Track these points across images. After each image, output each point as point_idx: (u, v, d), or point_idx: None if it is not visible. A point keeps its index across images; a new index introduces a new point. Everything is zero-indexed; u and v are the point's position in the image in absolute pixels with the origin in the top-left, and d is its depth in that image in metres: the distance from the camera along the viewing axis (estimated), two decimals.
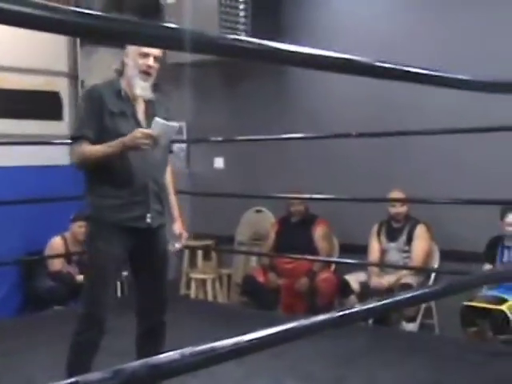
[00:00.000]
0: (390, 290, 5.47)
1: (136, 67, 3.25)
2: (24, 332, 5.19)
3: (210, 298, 6.87)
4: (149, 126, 3.26)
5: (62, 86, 7.07)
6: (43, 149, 6.59)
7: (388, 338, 4.95)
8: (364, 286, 5.70)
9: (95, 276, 3.28)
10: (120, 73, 3.34)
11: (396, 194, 5.68)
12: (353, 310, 1.58)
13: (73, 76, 7.14)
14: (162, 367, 1.08)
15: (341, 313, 1.48)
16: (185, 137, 7.55)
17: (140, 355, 3.40)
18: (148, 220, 3.28)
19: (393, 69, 1.56)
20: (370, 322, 5.49)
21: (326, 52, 1.45)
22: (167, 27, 1.17)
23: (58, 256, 6.22)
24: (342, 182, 6.21)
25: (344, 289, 5.78)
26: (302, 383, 3.98)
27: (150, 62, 3.24)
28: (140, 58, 3.24)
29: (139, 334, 3.45)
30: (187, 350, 1.12)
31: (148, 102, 3.35)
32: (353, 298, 5.73)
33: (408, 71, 1.61)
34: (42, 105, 6.90)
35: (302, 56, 1.40)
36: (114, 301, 3.37)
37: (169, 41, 1.20)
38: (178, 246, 3.62)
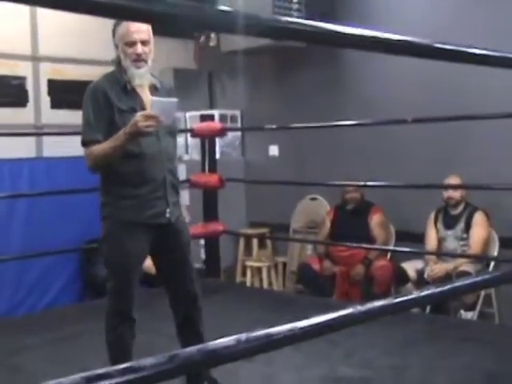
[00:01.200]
0: (447, 278, 5.38)
1: (127, 58, 3.16)
2: (82, 319, 5.27)
3: (265, 285, 6.88)
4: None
5: None
6: None
7: (446, 327, 4.87)
8: (421, 273, 5.63)
9: (118, 275, 3.23)
10: (118, 63, 3.24)
11: (453, 180, 5.58)
12: (411, 297, 1.55)
13: None
14: (217, 352, 1.08)
15: (399, 299, 1.46)
16: (239, 125, 7.56)
17: (183, 343, 3.42)
18: (167, 215, 3.24)
19: (455, 50, 1.52)
20: (428, 310, 5.42)
21: (386, 34, 1.42)
22: (222, 11, 1.15)
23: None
24: (397, 169, 6.14)
25: (400, 277, 5.72)
26: (359, 371, 3.95)
27: (138, 49, 3.13)
28: (128, 48, 3.15)
29: (178, 323, 3.44)
30: (243, 336, 1.11)
31: (153, 91, 3.26)
32: (409, 286, 5.67)
33: (472, 53, 1.55)
34: None
35: (361, 38, 1.37)
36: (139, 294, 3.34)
37: (224, 24, 1.18)
38: None
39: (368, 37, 1.38)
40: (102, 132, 3.12)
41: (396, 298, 1.50)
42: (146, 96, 3.23)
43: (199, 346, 1.07)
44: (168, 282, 3.41)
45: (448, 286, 1.68)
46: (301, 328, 1.18)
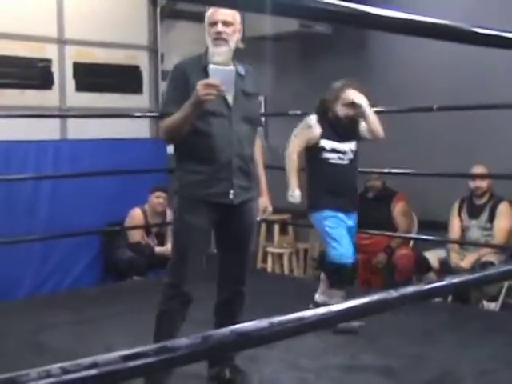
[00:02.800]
0: (470, 269, 5.35)
1: (209, 37, 3.29)
2: (104, 301, 5.32)
3: (286, 272, 6.88)
4: (236, 100, 3.28)
5: (142, 60, 7.14)
6: (124, 122, 6.70)
7: (468, 317, 4.85)
8: (443, 263, 5.60)
9: (182, 248, 3.31)
10: (206, 49, 3.35)
11: (479, 170, 5.53)
12: (435, 285, 1.53)
13: (153, 50, 7.20)
14: (250, 335, 1.07)
15: (430, 285, 1.44)
16: (263, 110, 7.54)
17: (217, 323, 3.48)
18: (231, 196, 3.29)
19: (493, 35, 1.49)
20: (449, 299, 5.39)
21: (423, 18, 1.39)
22: None
23: (137, 227, 6.33)
24: (422, 157, 6.09)
25: (422, 265, 5.69)
26: (380, 359, 3.94)
27: (219, 28, 3.24)
28: (210, 28, 3.28)
29: (218, 302, 3.52)
30: (276, 319, 1.10)
31: (237, 78, 3.27)
32: (431, 275, 5.64)
33: (506, 37, 1.52)
34: (122, 78, 6.99)
35: (396, 21, 1.35)
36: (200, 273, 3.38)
37: (250, 2, 1.15)
38: (257, 218, 3.66)
39: (405, 20, 1.36)
40: (176, 106, 3.20)
41: (427, 283, 1.48)
42: None
43: (232, 328, 1.06)
44: (222, 261, 3.49)
45: (472, 276, 1.66)
46: (334, 311, 1.17)
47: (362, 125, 4.62)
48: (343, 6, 1.25)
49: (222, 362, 3.48)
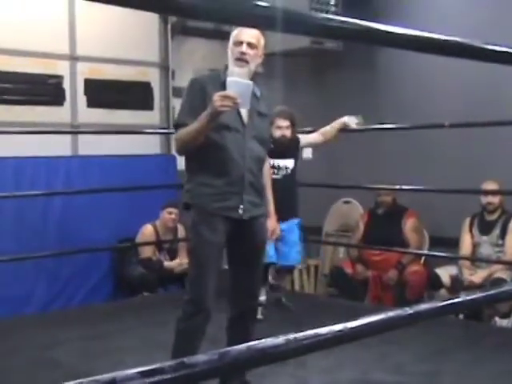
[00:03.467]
0: (482, 285, 5.33)
1: (232, 56, 3.31)
2: (114, 317, 5.32)
3: (296, 288, 6.86)
4: (250, 119, 3.31)
5: (153, 76, 7.19)
6: (134, 138, 6.73)
7: (480, 334, 4.82)
8: (455, 279, 5.58)
9: (201, 264, 3.31)
10: (226, 67, 3.38)
11: (490, 185, 5.52)
12: (449, 302, 1.53)
13: (164, 67, 7.25)
14: (266, 351, 1.07)
15: (445, 302, 1.44)
16: None
17: (230, 340, 3.46)
18: (240, 211, 3.30)
19: (503, 52, 1.49)
20: (461, 316, 5.36)
21: (433, 34, 1.40)
22: (259, 5, 1.12)
23: (149, 243, 6.33)
24: (433, 173, 6.08)
25: (434, 282, 5.68)
26: (392, 375, 3.91)
27: (243, 48, 3.26)
28: (235, 47, 3.30)
29: (231, 318, 3.50)
30: (292, 336, 1.10)
31: (253, 99, 3.28)
32: (443, 291, 5.62)
33: None
34: (133, 95, 7.04)
35: (406, 37, 1.35)
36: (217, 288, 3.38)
37: (261, 19, 1.15)
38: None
39: (415, 36, 1.36)
40: (191, 118, 3.22)
41: (441, 301, 1.48)
42: None
43: (249, 344, 1.06)
44: (233, 277, 3.47)
45: (483, 294, 1.66)
46: (350, 328, 1.17)
47: (302, 140, 5.25)
48: (354, 23, 1.26)
49: (232, 377, 3.46)
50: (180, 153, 3.42)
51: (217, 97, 3.04)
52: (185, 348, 3.27)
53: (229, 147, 3.26)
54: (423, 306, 1.37)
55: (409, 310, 1.34)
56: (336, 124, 5.20)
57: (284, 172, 5.11)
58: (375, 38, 1.37)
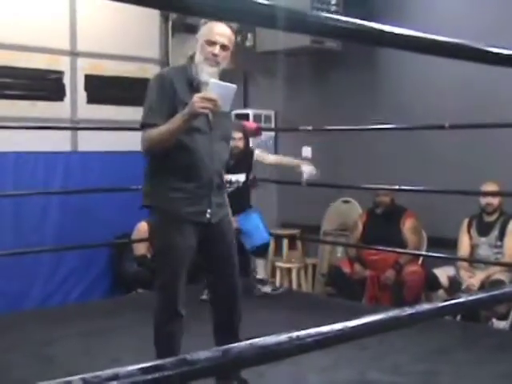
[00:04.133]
0: (481, 287, 5.34)
1: (202, 54, 3.22)
2: (111, 313, 5.34)
3: (294, 287, 6.86)
4: (215, 119, 3.23)
5: (153, 73, 7.11)
6: (134, 135, 6.70)
7: (478, 335, 4.83)
8: (453, 280, 5.58)
9: (171, 269, 3.24)
10: (192, 59, 3.30)
11: (489, 186, 5.51)
12: (449, 303, 1.53)
13: (164, 63, 7.23)
14: (269, 348, 1.07)
15: (445, 303, 1.44)
16: (273, 125, 7.56)
17: (218, 343, 3.42)
18: (207, 215, 3.26)
19: (506, 54, 1.49)
20: (458, 317, 5.37)
21: (434, 36, 1.39)
22: (260, 3, 1.11)
23: (142, 240, 6.32)
24: (432, 174, 6.08)
25: (432, 283, 5.67)
26: (389, 375, 3.92)
27: (216, 50, 3.19)
28: (207, 46, 3.21)
29: (215, 323, 3.47)
30: (294, 334, 1.10)
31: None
32: (441, 292, 5.62)
33: None
34: (133, 91, 7.01)
35: (406, 38, 1.34)
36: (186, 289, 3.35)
37: (261, 17, 1.14)
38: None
39: (415, 37, 1.36)
40: (162, 117, 3.15)
41: (441, 301, 1.48)
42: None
43: (251, 341, 1.06)
44: (211, 280, 3.46)
45: (481, 295, 1.66)
46: (351, 327, 1.17)
47: (258, 155, 5.62)
48: (355, 23, 1.25)
49: (228, 375, 3.45)
50: (147, 154, 3.26)
51: (197, 98, 2.99)
52: (170, 353, 3.19)
53: (199, 150, 3.20)
54: (424, 307, 1.37)
55: (409, 310, 1.34)
56: (295, 162, 5.57)
57: (236, 185, 5.49)
58: (376, 39, 1.36)
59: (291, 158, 5.50)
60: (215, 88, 3.05)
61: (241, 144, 5.40)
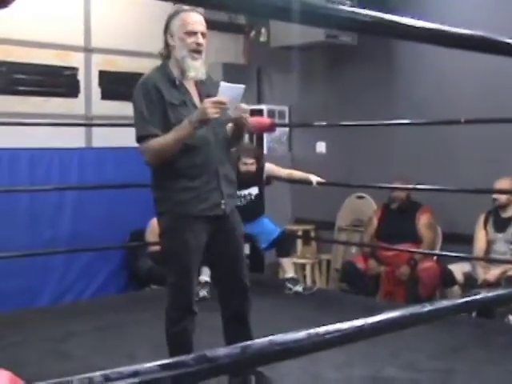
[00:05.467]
0: (496, 283, 5.31)
1: (184, 47, 3.15)
2: (126, 309, 5.35)
3: (308, 282, 6.86)
4: None
5: None
6: None
7: (494, 332, 4.79)
8: (468, 276, 5.55)
9: (184, 268, 3.21)
10: (166, 56, 3.24)
11: (503, 183, 5.48)
12: (468, 299, 1.51)
13: None
14: (288, 345, 1.06)
15: (464, 299, 1.43)
16: (287, 121, 7.54)
17: (228, 339, 3.42)
18: (222, 206, 3.23)
19: None
20: (474, 314, 5.34)
21: (451, 28, 1.38)
22: None
23: (158, 243, 6.30)
24: (448, 170, 6.06)
25: (447, 279, 5.65)
26: (405, 372, 3.90)
27: (200, 39, 3.15)
28: (188, 37, 3.14)
29: (226, 318, 3.43)
30: (313, 330, 1.09)
31: (199, 84, 3.23)
32: (456, 288, 5.59)
33: None
34: None
35: (422, 30, 1.32)
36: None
37: (276, 10, 1.13)
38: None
39: (429, 29, 1.34)
40: (157, 126, 3.10)
41: (460, 298, 1.47)
42: (192, 89, 3.23)
43: (270, 338, 1.06)
44: (220, 276, 3.42)
45: (500, 292, 1.64)
46: (371, 324, 1.16)
47: (268, 169, 5.75)
48: (371, 16, 1.24)
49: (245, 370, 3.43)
50: (154, 165, 3.19)
51: (209, 103, 2.95)
52: (182, 350, 3.18)
53: (199, 146, 3.16)
54: (443, 303, 1.36)
55: (428, 307, 1.33)
56: (304, 175, 5.65)
57: (248, 198, 5.70)
58: (392, 31, 1.35)
59: (300, 172, 5.57)
60: (225, 90, 3.04)
61: (253, 168, 5.59)
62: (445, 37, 1.39)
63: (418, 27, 1.31)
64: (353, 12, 1.22)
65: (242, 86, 3.08)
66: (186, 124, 3.03)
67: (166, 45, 3.24)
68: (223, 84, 3.06)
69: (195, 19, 3.17)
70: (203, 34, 3.17)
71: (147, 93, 3.12)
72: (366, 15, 1.23)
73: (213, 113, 2.95)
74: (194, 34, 3.14)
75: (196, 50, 3.15)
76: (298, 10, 1.12)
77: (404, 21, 1.29)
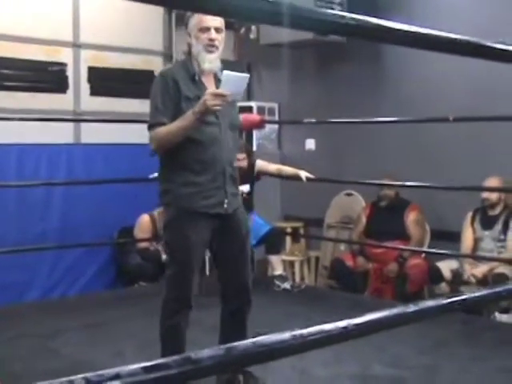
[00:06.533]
0: (483, 280, 5.33)
1: (199, 43, 3.24)
2: (114, 305, 5.35)
3: (297, 279, 6.86)
4: (223, 109, 3.17)
5: (156, 65, 7.17)
6: (137, 127, 6.70)
7: (481, 328, 4.81)
8: (456, 273, 5.57)
9: (183, 262, 3.25)
10: (188, 54, 3.33)
11: (492, 181, 5.50)
12: (454, 299, 1.52)
13: (167, 55, 7.23)
14: (273, 346, 1.07)
15: (449, 299, 1.44)
16: (277, 118, 7.54)
17: (224, 335, 3.47)
18: (225, 205, 3.27)
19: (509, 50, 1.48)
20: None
21: (439, 32, 1.38)
22: (265, 1, 1.11)
23: (146, 240, 6.31)
24: (436, 167, 6.07)
25: (435, 276, 5.67)
26: (391, 369, 3.92)
27: (212, 35, 3.21)
28: (201, 33, 3.22)
29: (225, 314, 3.47)
30: (298, 332, 1.10)
31: (217, 82, 3.27)
32: (443, 285, 5.61)
33: None
34: (137, 83, 7.01)
35: (410, 35, 1.33)
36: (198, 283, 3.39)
37: (265, 14, 1.13)
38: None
39: (415, 33, 1.34)
40: (168, 116, 3.19)
41: (447, 298, 1.48)
42: (211, 86, 3.27)
43: (254, 340, 1.06)
44: (223, 273, 3.45)
45: (486, 292, 1.65)
46: (355, 325, 1.17)
47: (259, 165, 5.66)
48: (360, 20, 1.24)
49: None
50: (157, 152, 3.28)
51: (209, 95, 3.02)
52: (176, 344, 3.26)
53: (208, 143, 3.21)
54: (428, 303, 1.37)
55: (413, 307, 1.34)
56: (293, 171, 5.46)
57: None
58: (379, 35, 1.35)
59: (290, 168, 5.56)
60: (228, 79, 3.06)
61: (244, 163, 5.51)
62: (431, 41, 1.39)
63: (404, 31, 1.32)
64: (340, 16, 1.23)
65: (247, 75, 3.14)
66: (189, 114, 3.10)
67: (188, 44, 3.34)
68: (226, 73, 3.09)
69: (209, 16, 3.21)
70: (217, 29, 3.23)
71: (165, 84, 3.23)
72: (354, 19, 1.23)
73: (212, 104, 3.00)
74: (208, 29, 3.22)
75: (209, 45, 3.23)
76: (287, 14, 1.12)
77: (390, 25, 1.29)
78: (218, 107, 3.04)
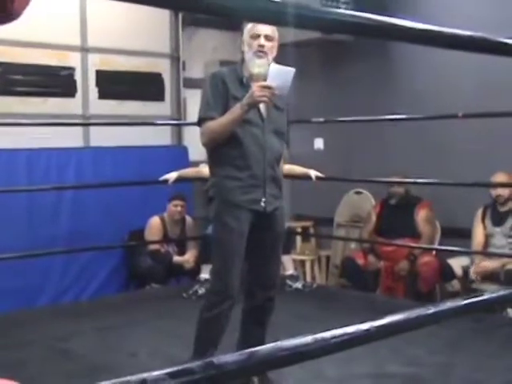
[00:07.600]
0: (494, 275, 5.32)
1: (250, 49, 3.38)
2: (126, 308, 5.36)
3: (308, 279, 6.86)
4: (268, 113, 3.37)
5: (164, 67, 7.18)
6: (146, 129, 6.73)
7: (493, 325, 4.80)
8: (467, 270, 5.56)
9: (226, 254, 3.37)
10: (241, 61, 3.46)
11: (501, 177, 5.49)
12: (472, 300, 1.51)
13: (175, 58, 7.23)
14: (296, 350, 1.07)
15: (469, 300, 1.43)
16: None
17: (246, 329, 3.55)
18: (262, 204, 3.38)
19: None
20: None
21: (446, 29, 1.37)
22: (270, 1, 1.11)
23: (157, 242, 6.31)
24: (446, 164, 6.06)
25: (446, 273, 5.66)
26: (406, 367, 3.92)
27: (261, 41, 3.34)
28: (253, 40, 3.37)
29: (247, 309, 3.56)
30: (319, 335, 1.10)
31: None
32: (455, 282, 5.61)
33: None
34: (144, 86, 7.03)
35: (418, 32, 1.32)
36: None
37: (271, 15, 1.14)
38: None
39: (425, 30, 1.34)
40: (217, 112, 3.33)
41: (464, 299, 1.47)
42: None
43: (277, 344, 1.06)
44: (252, 268, 3.53)
45: (505, 292, 1.64)
46: (377, 327, 1.17)
47: None
48: (366, 18, 1.24)
49: None
50: (208, 145, 3.43)
51: (256, 87, 3.14)
52: (208, 336, 3.38)
53: (249, 142, 3.34)
54: (446, 305, 1.37)
55: (433, 309, 1.34)
56: (303, 170, 5.46)
57: None
58: (387, 33, 1.35)
59: (300, 167, 5.56)
60: (275, 72, 3.16)
61: None
62: (441, 38, 1.39)
63: (411, 29, 1.31)
64: (347, 15, 1.22)
65: (293, 69, 3.22)
66: (237, 107, 3.24)
67: (242, 52, 3.48)
68: (273, 66, 3.20)
69: (260, 24, 3.33)
70: (267, 37, 3.37)
71: (215, 84, 3.39)
72: (360, 17, 1.23)
73: (259, 96, 3.13)
74: (258, 36, 3.36)
75: (259, 51, 3.36)
76: (293, 14, 1.12)
77: (398, 22, 1.29)
78: (265, 98, 3.15)
